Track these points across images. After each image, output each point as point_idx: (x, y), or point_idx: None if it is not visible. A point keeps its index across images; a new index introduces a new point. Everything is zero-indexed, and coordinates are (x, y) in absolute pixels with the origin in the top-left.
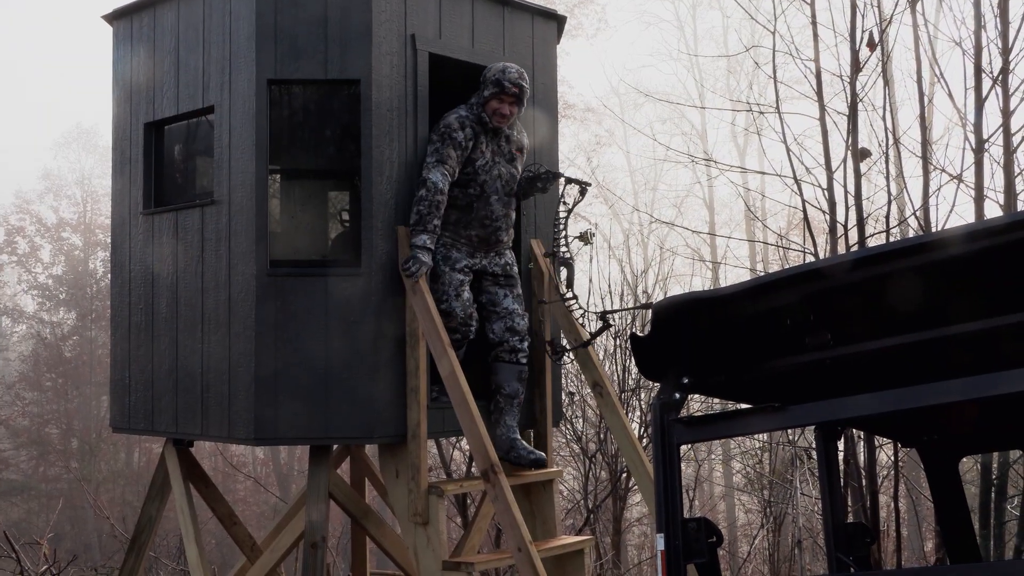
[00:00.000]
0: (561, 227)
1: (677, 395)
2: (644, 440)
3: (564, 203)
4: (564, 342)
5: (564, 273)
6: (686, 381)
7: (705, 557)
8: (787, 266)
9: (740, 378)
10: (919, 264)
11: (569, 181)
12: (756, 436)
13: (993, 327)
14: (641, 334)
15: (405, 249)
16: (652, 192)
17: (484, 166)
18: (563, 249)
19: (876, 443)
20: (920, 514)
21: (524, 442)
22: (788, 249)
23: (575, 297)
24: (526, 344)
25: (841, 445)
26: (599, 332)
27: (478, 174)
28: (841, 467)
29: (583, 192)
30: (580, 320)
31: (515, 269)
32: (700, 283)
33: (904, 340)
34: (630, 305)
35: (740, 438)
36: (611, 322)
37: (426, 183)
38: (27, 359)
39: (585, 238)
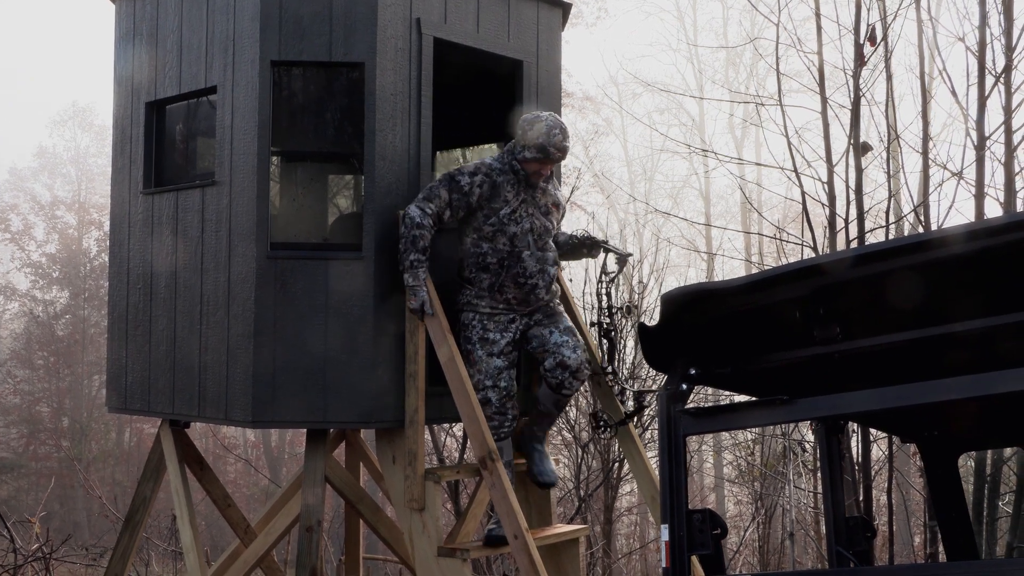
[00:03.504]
0: (604, 297)
1: (684, 386)
2: (637, 429)
3: (606, 273)
4: (605, 415)
5: (606, 346)
6: (693, 372)
7: (709, 549)
8: (784, 259)
9: (746, 370)
10: (932, 260)
11: (607, 251)
12: (749, 428)
13: (997, 325)
14: (649, 324)
15: None
16: (648, 182)
17: (511, 216)
18: (606, 321)
19: (870, 438)
20: (909, 508)
21: (544, 456)
22: (786, 242)
23: (615, 373)
24: (576, 384)
25: None
26: (634, 414)
27: (504, 224)
28: None
29: (621, 263)
30: (618, 397)
31: (560, 307)
32: (695, 274)
33: (913, 336)
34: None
35: (733, 430)
36: (646, 403)
37: (404, 219)
38: (19, 337)
39: (629, 310)
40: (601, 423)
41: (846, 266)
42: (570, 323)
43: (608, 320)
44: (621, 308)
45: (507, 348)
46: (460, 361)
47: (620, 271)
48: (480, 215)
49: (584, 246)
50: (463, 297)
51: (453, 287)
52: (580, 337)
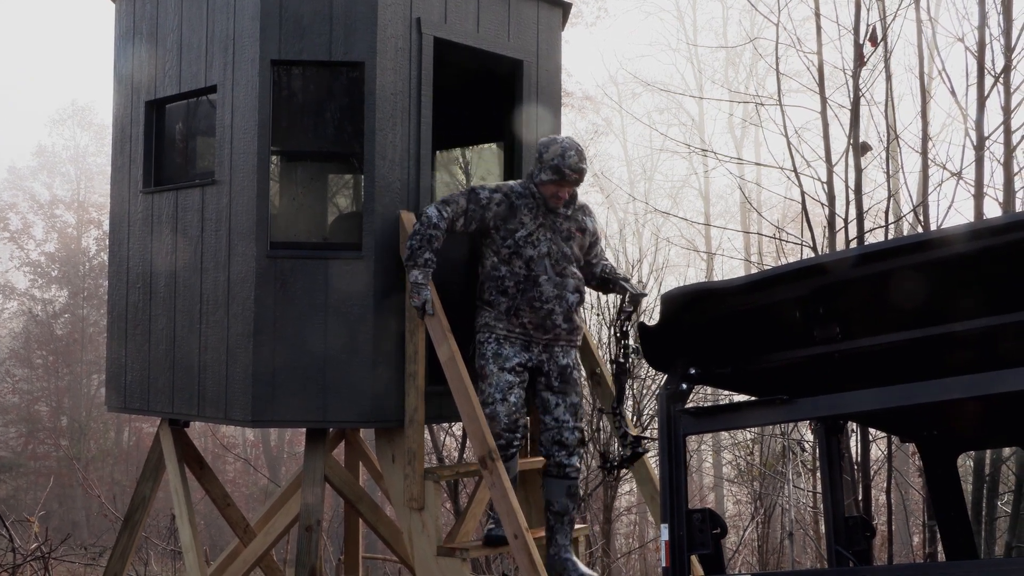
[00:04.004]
0: (618, 337)
1: (684, 385)
2: (636, 427)
3: (623, 312)
4: (612, 456)
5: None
6: (693, 372)
7: (709, 548)
8: (783, 258)
9: (746, 370)
10: (932, 260)
11: (623, 290)
12: (749, 428)
13: (997, 325)
14: (649, 324)
15: (407, 235)
16: (648, 182)
17: (527, 238)
18: (620, 359)
19: (870, 437)
20: (908, 508)
21: (576, 561)
22: (786, 242)
23: (621, 415)
24: (575, 459)
25: None
26: (632, 460)
27: (520, 247)
28: None
29: (634, 303)
30: (620, 440)
31: (576, 373)
32: (695, 273)
33: (913, 335)
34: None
35: (733, 430)
36: (642, 450)
37: (421, 216)
38: (18, 336)
39: (636, 351)
40: (608, 463)
41: (846, 266)
42: (577, 399)
43: (623, 359)
44: (636, 350)
45: (519, 367)
46: (460, 360)
47: (635, 310)
48: (497, 236)
49: (608, 281)
50: (481, 319)
51: (471, 309)
52: (581, 412)
